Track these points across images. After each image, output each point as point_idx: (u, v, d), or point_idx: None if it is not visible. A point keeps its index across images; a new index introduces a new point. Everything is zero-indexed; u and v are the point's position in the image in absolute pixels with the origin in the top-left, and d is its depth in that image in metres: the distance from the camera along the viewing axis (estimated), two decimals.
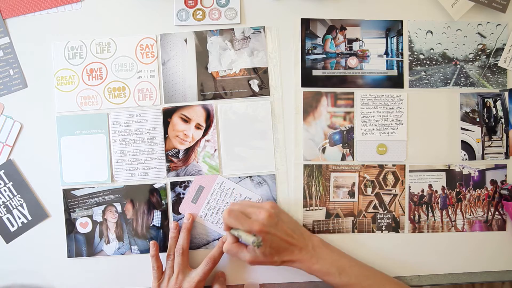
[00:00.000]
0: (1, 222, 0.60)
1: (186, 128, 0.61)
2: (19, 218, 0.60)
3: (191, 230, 0.60)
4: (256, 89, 0.60)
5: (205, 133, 0.61)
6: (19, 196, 0.60)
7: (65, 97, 0.60)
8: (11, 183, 0.60)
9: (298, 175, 0.62)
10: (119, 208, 0.61)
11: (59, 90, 0.60)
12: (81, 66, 0.60)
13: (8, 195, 0.60)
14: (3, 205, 0.60)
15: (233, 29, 0.61)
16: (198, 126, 0.60)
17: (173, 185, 0.61)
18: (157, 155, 0.60)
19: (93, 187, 0.60)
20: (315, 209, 0.62)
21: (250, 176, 0.61)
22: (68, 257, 0.60)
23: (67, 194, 0.60)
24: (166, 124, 0.60)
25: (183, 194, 0.61)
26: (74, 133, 0.60)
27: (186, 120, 0.60)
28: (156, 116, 0.60)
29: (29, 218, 0.60)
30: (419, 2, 0.63)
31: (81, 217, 0.60)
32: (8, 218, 0.60)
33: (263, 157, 0.61)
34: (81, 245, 0.60)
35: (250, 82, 0.60)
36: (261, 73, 0.61)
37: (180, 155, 0.61)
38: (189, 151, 0.61)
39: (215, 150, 0.61)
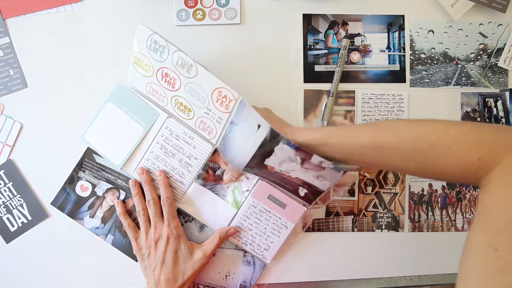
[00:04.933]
0: (1, 222, 0.60)
1: None
2: (19, 218, 0.60)
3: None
4: (302, 194, 0.57)
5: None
6: (19, 196, 0.60)
7: (138, 77, 0.56)
8: (11, 183, 0.60)
9: None
10: (122, 197, 0.60)
11: (134, 68, 0.56)
12: (158, 64, 0.54)
13: (8, 195, 0.60)
14: (3, 205, 0.60)
15: (312, 154, 0.50)
16: None
17: (178, 212, 0.59)
18: (184, 179, 0.59)
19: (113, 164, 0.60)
20: (315, 207, 0.62)
21: (244, 252, 0.60)
22: (51, 203, 0.60)
23: (88, 153, 0.60)
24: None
25: (182, 226, 0.58)
26: (121, 108, 0.58)
27: None
28: (205, 149, 0.58)
29: (29, 218, 0.60)
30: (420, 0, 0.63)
31: (86, 180, 0.60)
32: (8, 218, 0.60)
33: (266, 247, 0.60)
34: (69, 202, 0.60)
35: (299, 188, 0.56)
36: (315, 190, 0.55)
37: (218, 172, 0.59)
38: None
39: (247, 190, 0.58)
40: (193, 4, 0.61)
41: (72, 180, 0.60)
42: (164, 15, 0.61)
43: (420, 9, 0.63)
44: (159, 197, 0.58)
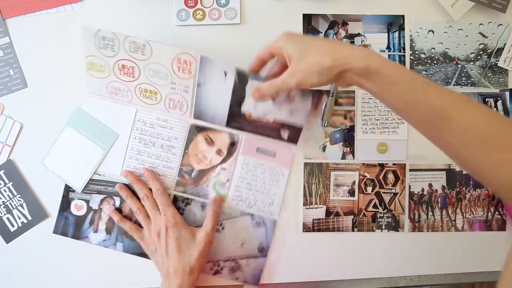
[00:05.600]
0: (1, 222, 0.60)
1: (207, 150, 0.59)
2: (19, 218, 0.60)
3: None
4: (285, 137, 0.59)
5: (224, 160, 0.60)
6: (19, 196, 0.60)
7: (96, 82, 0.57)
8: (11, 183, 0.60)
9: (298, 173, 0.62)
10: (117, 203, 0.60)
11: (90, 74, 0.57)
12: (113, 59, 0.56)
13: (8, 195, 0.60)
14: (3, 205, 0.60)
15: None
16: (219, 152, 0.59)
17: (176, 198, 0.60)
18: (171, 164, 0.59)
19: (99, 175, 0.60)
20: (315, 207, 0.62)
21: (252, 215, 0.61)
22: (54, 232, 0.60)
23: None
24: (189, 140, 0.59)
25: (183, 210, 0.60)
26: (80, 131, 0.59)
27: (210, 142, 0.59)
28: (182, 127, 0.59)
29: (29, 218, 0.60)
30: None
31: (78, 199, 0.60)
32: (8, 218, 0.60)
33: (270, 202, 0.60)
34: (69, 225, 0.60)
35: (281, 130, 0.58)
36: (294, 129, 0.59)
37: (193, 174, 0.60)
38: (202, 173, 0.60)
39: (228, 180, 0.59)
40: (193, 4, 0.61)
41: (65, 203, 0.60)
42: (164, 15, 0.61)
43: (420, 9, 0.63)
44: (151, 191, 0.58)
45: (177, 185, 0.60)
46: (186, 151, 0.59)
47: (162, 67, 0.55)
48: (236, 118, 0.58)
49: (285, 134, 0.58)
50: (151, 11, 0.61)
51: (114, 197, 0.60)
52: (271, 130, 0.58)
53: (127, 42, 0.54)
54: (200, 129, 0.59)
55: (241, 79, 0.54)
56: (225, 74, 0.55)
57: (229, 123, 0.58)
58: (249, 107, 0.57)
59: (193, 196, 0.60)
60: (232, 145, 0.59)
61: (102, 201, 0.60)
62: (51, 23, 0.60)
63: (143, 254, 0.60)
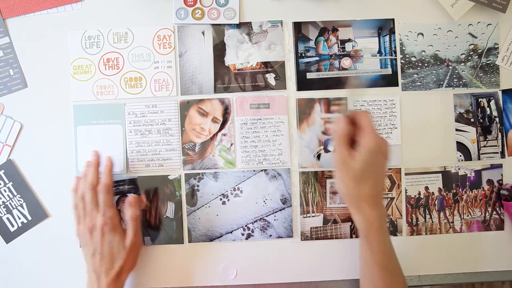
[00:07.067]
0: (1, 222, 0.60)
1: (203, 122, 0.61)
2: (19, 218, 0.61)
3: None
4: (273, 82, 0.61)
5: (222, 127, 0.61)
6: (19, 196, 0.60)
7: (81, 86, 0.60)
8: (11, 183, 0.60)
9: (294, 182, 0.62)
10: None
11: (75, 79, 0.60)
12: (97, 56, 0.60)
13: (8, 195, 0.60)
14: (3, 205, 0.60)
15: (250, 22, 0.61)
16: (215, 120, 0.61)
17: (188, 177, 0.61)
18: (172, 146, 0.61)
19: None
20: (312, 216, 0.62)
21: (265, 170, 0.61)
22: (81, 247, 0.60)
23: None
24: (183, 117, 0.61)
25: (197, 186, 0.61)
26: (91, 123, 0.60)
27: (203, 114, 0.61)
28: (172, 107, 0.61)
29: (29, 218, 0.61)
30: (411, 1, 0.63)
31: None
32: (8, 218, 0.61)
33: (278, 152, 0.61)
34: None
35: (267, 75, 0.61)
36: (277, 67, 0.61)
37: (196, 149, 0.61)
38: (205, 145, 0.61)
39: (232, 144, 0.61)
40: (192, 3, 0.61)
41: None
42: (164, 13, 0.61)
43: (411, 12, 0.63)
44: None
45: (184, 164, 0.61)
46: (183, 128, 0.61)
47: (144, 49, 0.60)
48: (222, 74, 0.61)
49: (271, 78, 0.60)
50: (151, 9, 0.61)
51: (128, 195, 0.60)
52: (258, 76, 0.60)
53: (110, 34, 0.60)
54: (190, 103, 0.60)
55: (218, 32, 0.59)
56: (203, 34, 0.60)
57: (217, 85, 0.60)
58: (231, 57, 0.60)
59: (203, 170, 0.61)
60: (226, 109, 0.61)
61: (118, 202, 0.61)
62: (51, 23, 0.61)
63: (170, 241, 0.61)
